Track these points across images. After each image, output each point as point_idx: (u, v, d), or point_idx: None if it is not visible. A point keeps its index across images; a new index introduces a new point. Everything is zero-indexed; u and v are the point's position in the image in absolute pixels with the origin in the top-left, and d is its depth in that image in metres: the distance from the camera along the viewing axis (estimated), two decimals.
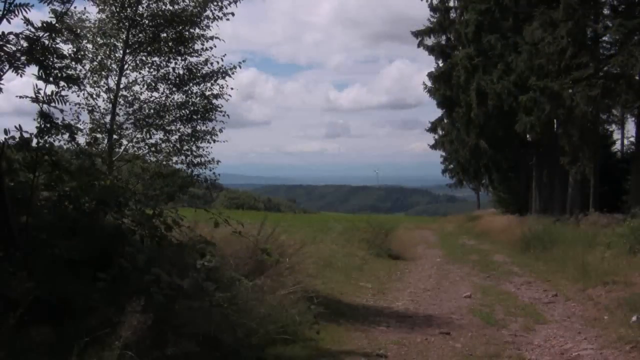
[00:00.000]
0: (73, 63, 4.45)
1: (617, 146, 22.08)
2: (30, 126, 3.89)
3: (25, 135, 3.83)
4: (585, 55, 14.64)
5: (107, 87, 7.27)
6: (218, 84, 7.48)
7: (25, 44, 3.74)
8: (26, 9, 3.69)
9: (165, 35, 7.24)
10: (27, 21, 3.72)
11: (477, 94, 20.49)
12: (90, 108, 7.22)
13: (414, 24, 31.54)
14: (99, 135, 6.99)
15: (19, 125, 3.81)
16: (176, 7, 7.12)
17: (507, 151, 22.12)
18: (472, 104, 20.87)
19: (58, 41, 4.01)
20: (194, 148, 7.44)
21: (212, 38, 7.35)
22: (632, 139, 18.12)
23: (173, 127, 7.44)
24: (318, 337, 4.82)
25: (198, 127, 7.48)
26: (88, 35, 7.04)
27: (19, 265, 3.41)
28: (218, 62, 7.45)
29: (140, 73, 7.42)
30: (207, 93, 7.49)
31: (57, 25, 3.87)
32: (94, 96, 7.24)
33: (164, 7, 7.11)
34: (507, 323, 5.85)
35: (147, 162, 7.37)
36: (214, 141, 7.51)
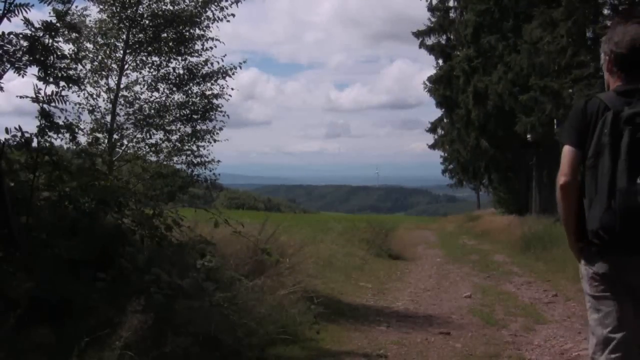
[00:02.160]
0: (73, 63, 4.45)
1: None
2: (31, 126, 3.90)
3: (26, 135, 3.83)
4: (586, 55, 14.64)
5: (107, 87, 7.28)
6: (218, 84, 7.50)
7: (25, 44, 3.75)
8: (26, 9, 3.70)
9: (165, 35, 7.25)
10: (27, 21, 3.72)
11: (474, 95, 20.50)
12: (90, 108, 7.23)
13: (414, 24, 31.51)
14: (99, 135, 7.00)
15: (19, 126, 3.82)
16: (176, 7, 7.12)
17: (507, 151, 22.14)
18: (470, 105, 20.91)
19: (59, 41, 4.01)
20: (194, 148, 7.45)
21: (212, 38, 7.36)
22: None
23: (173, 127, 7.45)
24: (318, 337, 4.82)
25: (198, 127, 7.49)
26: (89, 35, 7.05)
27: (19, 265, 3.41)
28: (218, 62, 7.46)
29: (140, 73, 7.42)
30: (208, 93, 7.49)
31: (57, 25, 3.87)
32: (95, 96, 7.25)
33: (164, 7, 7.11)
34: (507, 323, 5.84)
35: (148, 162, 7.38)
36: (214, 141, 7.52)
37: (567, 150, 2.39)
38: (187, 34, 7.24)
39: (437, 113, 28.27)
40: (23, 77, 3.81)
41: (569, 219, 2.35)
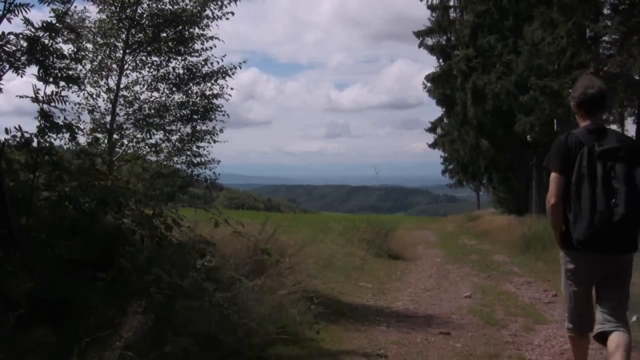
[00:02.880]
0: (73, 63, 4.45)
1: None
2: (31, 126, 3.90)
3: (26, 135, 3.83)
4: (585, 55, 14.63)
5: (107, 87, 7.28)
6: (218, 84, 7.49)
7: (25, 44, 3.74)
8: (26, 9, 3.70)
9: (165, 35, 7.25)
10: (27, 21, 3.72)
11: (473, 92, 20.49)
12: (90, 108, 7.23)
13: (415, 24, 31.67)
14: (99, 135, 7.00)
15: (19, 126, 3.82)
16: (176, 7, 7.12)
17: (506, 151, 22.14)
18: (468, 103, 20.91)
19: (59, 41, 4.01)
20: (194, 148, 7.45)
21: (212, 38, 7.36)
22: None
23: (173, 127, 7.45)
24: (318, 337, 4.82)
25: (198, 127, 7.49)
26: (88, 35, 7.05)
27: (19, 265, 3.41)
28: (218, 62, 7.47)
29: (140, 73, 7.43)
30: (207, 93, 7.49)
31: (57, 25, 3.87)
32: (94, 96, 7.25)
33: (164, 7, 7.11)
34: (507, 323, 5.85)
35: (148, 162, 7.38)
36: (214, 141, 7.52)
37: (554, 177, 3.17)
38: (187, 33, 7.24)
39: (437, 113, 28.36)
40: (22, 77, 3.82)
41: (556, 225, 3.29)
